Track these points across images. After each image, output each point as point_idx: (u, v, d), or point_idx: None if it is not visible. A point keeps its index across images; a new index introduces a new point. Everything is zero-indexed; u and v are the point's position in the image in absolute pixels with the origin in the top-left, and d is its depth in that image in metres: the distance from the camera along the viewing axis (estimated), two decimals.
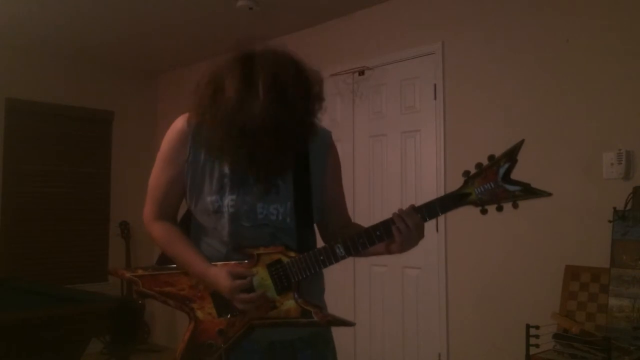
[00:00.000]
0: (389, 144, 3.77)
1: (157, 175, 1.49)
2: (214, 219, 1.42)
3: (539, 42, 3.08)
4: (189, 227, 1.51)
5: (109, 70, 5.42)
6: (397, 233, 1.33)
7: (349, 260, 4.04)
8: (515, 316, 2.95)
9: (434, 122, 3.51)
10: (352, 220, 1.61)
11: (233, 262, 1.39)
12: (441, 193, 3.42)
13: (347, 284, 3.88)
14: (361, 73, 3.93)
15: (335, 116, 4.10)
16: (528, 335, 2.51)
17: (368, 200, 3.84)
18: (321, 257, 1.34)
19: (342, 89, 4.01)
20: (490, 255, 3.21)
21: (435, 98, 3.52)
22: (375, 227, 1.34)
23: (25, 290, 2.94)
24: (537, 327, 2.50)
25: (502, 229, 3.11)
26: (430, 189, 3.49)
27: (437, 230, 3.44)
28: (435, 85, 3.52)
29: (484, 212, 1.31)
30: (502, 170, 1.27)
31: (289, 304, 1.35)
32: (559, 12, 3.01)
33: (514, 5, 3.19)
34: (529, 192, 1.27)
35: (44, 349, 2.18)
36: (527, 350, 2.51)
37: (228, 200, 1.40)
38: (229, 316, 1.37)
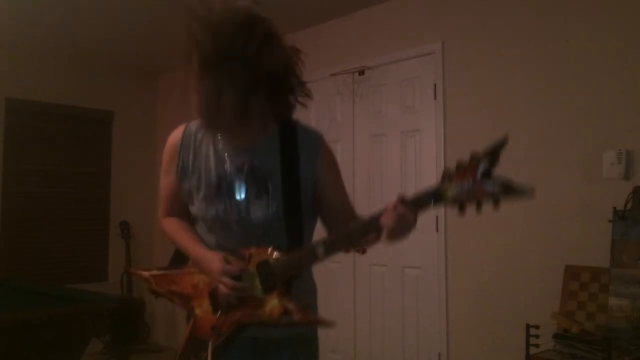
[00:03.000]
0: (389, 144, 3.77)
1: (161, 181, 1.60)
2: (208, 224, 1.50)
3: (539, 42, 3.08)
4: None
5: (109, 70, 5.42)
6: (378, 232, 1.32)
7: (349, 260, 4.06)
8: (515, 316, 2.95)
9: (434, 122, 3.51)
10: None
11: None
12: None
13: (347, 284, 3.88)
14: (361, 73, 3.93)
15: (335, 116, 4.10)
16: (528, 335, 2.51)
17: (368, 200, 3.83)
18: (303, 258, 1.39)
19: (342, 89, 4.01)
20: (490, 255, 3.21)
21: (435, 98, 3.52)
22: (354, 228, 1.36)
23: (25, 290, 2.95)
24: (537, 327, 2.50)
25: (502, 229, 3.11)
26: None
27: (437, 230, 3.44)
28: (435, 85, 3.52)
29: (461, 211, 1.23)
30: (482, 168, 1.20)
31: (273, 303, 1.38)
32: (559, 12, 3.01)
33: (514, 5, 3.20)
34: (509, 190, 1.18)
35: (44, 349, 2.19)
36: (527, 350, 2.51)
37: (217, 204, 1.46)
38: (219, 313, 1.42)
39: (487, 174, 1.20)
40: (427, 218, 3.53)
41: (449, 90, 3.46)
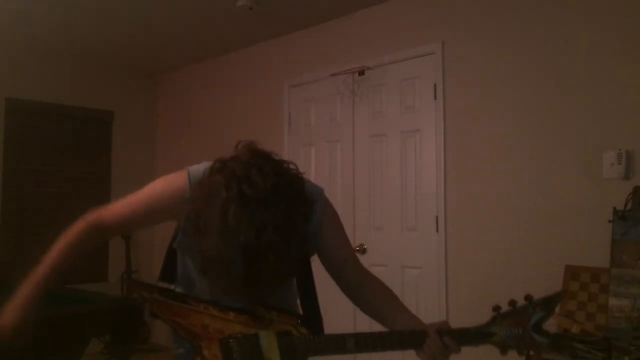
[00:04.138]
0: (389, 144, 3.77)
1: (132, 209, 1.48)
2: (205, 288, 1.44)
3: (539, 42, 3.08)
4: (173, 262, 1.52)
5: (109, 70, 5.42)
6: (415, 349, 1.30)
7: None
8: None
9: (434, 122, 3.51)
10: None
11: (245, 316, 1.38)
12: (441, 193, 3.42)
13: None
14: (361, 73, 3.93)
15: (335, 116, 4.10)
16: None
17: (368, 200, 3.84)
18: (330, 346, 1.33)
19: (342, 89, 4.01)
20: (490, 255, 3.21)
21: (435, 98, 3.52)
22: (393, 335, 1.33)
23: None
24: None
25: (502, 229, 3.11)
26: (430, 189, 3.49)
27: (437, 230, 3.43)
28: (435, 85, 3.52)
29: (504, 353, 1.25)
30: (535, 318, 1.23)
31: None
32: (559, 12, 3.01)
33: (514, 5, 3.20)
34: (558, 347, 1.25)
35: (44, 349, 2.18)
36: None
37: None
38: None
39: (539, 325, 1.22)
40: (427, 218, 3.53)
41: (449, 90, 3.46)
